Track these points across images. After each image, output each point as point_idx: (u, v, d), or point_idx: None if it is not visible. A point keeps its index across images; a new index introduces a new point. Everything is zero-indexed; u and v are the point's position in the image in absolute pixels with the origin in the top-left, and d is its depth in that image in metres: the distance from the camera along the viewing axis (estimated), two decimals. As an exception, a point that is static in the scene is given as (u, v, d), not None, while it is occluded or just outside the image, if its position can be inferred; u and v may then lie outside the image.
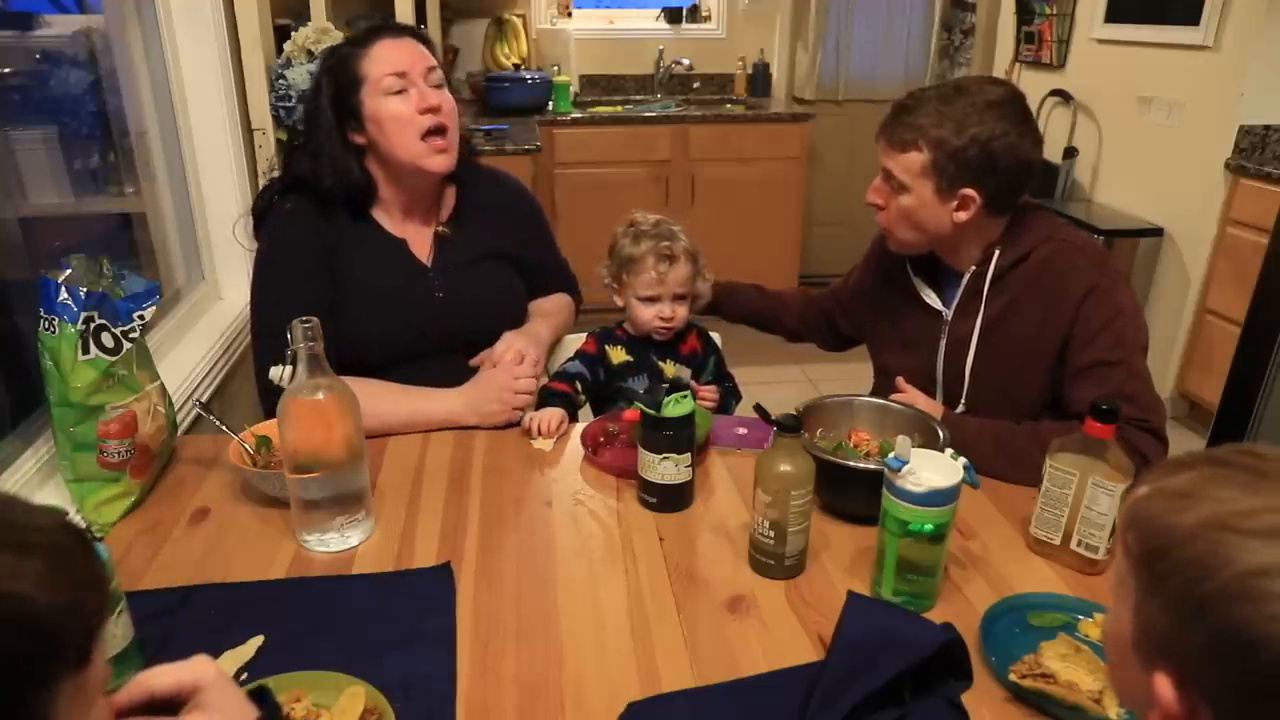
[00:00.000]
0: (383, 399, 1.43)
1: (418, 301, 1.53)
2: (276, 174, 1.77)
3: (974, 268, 1.44)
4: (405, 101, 1.44)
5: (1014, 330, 1.42)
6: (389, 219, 1.56)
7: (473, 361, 1.55)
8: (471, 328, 1.57)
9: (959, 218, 1.37)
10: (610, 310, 1.69)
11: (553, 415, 1.44)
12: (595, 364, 1.62)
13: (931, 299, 1.51)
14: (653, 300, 1.59)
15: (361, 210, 1.54)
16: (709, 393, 1.61)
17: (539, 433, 1.43)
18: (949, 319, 1.49)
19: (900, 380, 1.48)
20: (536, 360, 1.57)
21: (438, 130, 1.47)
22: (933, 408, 1.40)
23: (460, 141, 1.55)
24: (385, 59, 1.44)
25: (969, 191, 1.35)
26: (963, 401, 1.48)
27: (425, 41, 1.52)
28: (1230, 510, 0.55)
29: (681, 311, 1.61)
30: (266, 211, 1.55)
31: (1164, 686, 0.56)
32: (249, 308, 1.54)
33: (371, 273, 1.51)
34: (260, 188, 2.16)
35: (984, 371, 1.45)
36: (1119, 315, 1.36)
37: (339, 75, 1.46)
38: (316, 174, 1.48)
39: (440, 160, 1.49)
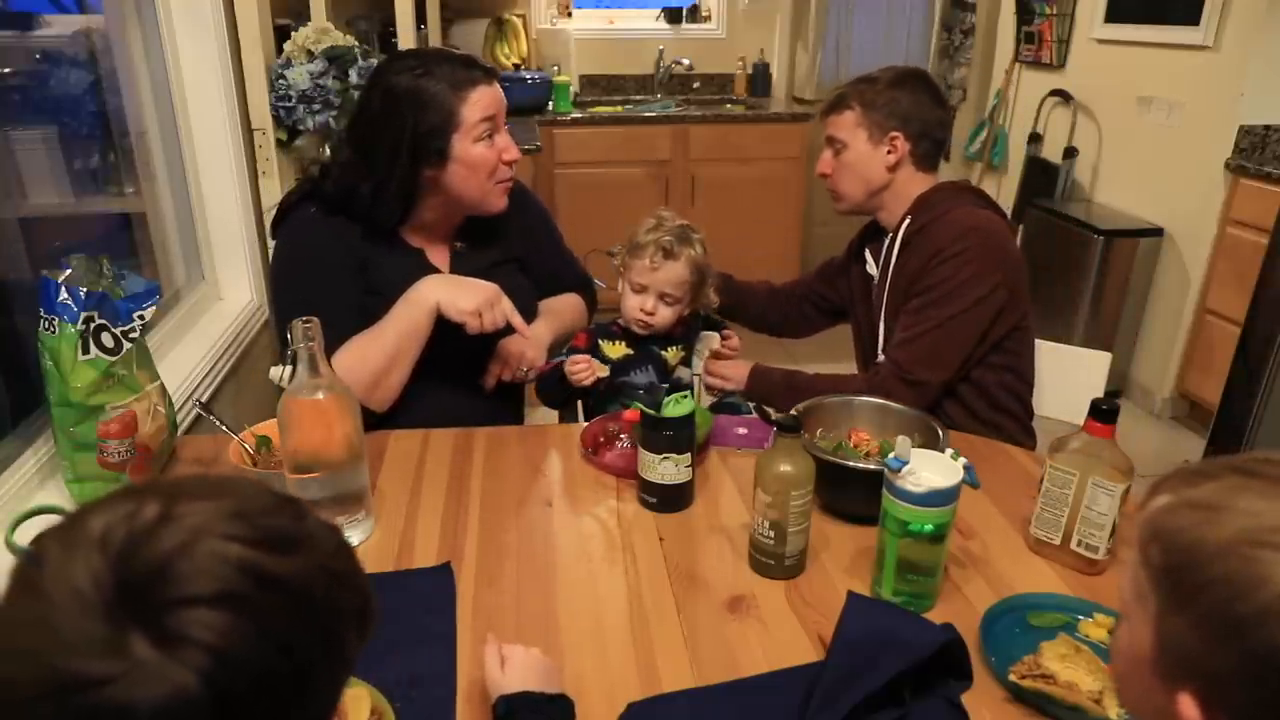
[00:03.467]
0: (369, 343, 1.43)
1: None
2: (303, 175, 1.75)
3: (890, 234, 1.65)
4: (490, 147, 1.48)
5: (899, 291, 1.62)
6: (409, 231, 1.57)
7: (484, 379, 1.59)
8: (487, 332, 1.57)
9: (889, 160, 1.61)
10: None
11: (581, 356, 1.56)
12: None
13: (870, 266, 1.72)
14: (640, 290, 1.58)
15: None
16: (733, 344, 1.72)
17: (582, 371, 1.54)
18: (876, 281, 1.69)
19: (735, 340, 1.70)
20: (534, 361, 1.59)
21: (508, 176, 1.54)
22: (739, 367, 1.66)
23: None
24: (481, 105, 1.45)
25: (895, 134, 1.59)
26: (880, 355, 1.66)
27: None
28: (1264, 525, 0.53)
29: (664, 312, 1.58)
30: (288, 212, 1.55)
31: (1188, 706, 0.54)
32: (270, 307, 1.52)
33: (398, 284, 1.50)
34: (261, 187, 2.16)
35: (890, 327, 1.65)
36: (949, 280, 1.53)
37: (429, 112, 1.43)
38: (377, 201, 1.47)
39: (504, 200, 1.55)
